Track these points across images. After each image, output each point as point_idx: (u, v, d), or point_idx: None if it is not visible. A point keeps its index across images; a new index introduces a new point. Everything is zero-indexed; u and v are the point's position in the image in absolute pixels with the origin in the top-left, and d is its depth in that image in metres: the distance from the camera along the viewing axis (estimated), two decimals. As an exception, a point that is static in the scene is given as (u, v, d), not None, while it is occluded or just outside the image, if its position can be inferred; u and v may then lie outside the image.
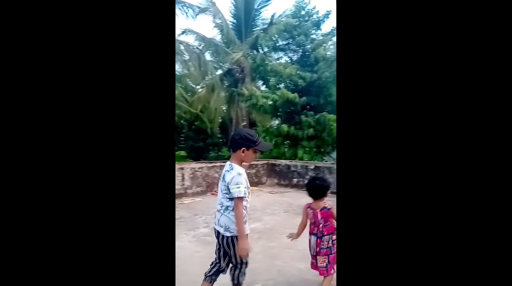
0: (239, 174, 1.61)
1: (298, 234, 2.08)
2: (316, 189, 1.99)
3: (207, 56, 13.23)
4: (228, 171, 1.67)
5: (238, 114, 13.01)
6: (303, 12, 8.72)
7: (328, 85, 8.05)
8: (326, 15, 8.62)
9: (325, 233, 1.95)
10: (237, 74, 12.40)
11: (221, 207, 1.70)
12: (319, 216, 1.96)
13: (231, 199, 1.64)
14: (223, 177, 1.69)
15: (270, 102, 7.95)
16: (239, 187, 1.58)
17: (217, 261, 1.76)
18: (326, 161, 7.44)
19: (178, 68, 16.24)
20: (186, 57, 11.03)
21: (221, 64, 14.39)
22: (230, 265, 1.75)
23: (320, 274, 1.98)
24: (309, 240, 2.02)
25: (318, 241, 1.96)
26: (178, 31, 12.23)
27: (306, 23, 8.45)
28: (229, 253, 1.69)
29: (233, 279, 1.73)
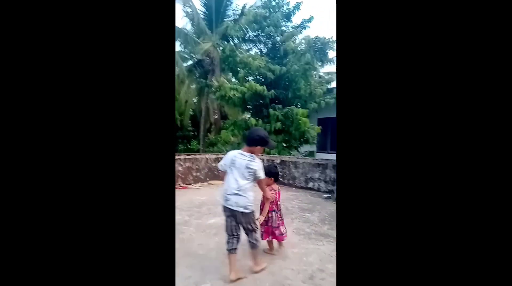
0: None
1: (265, 214, 2.42)
2: (277, 173, 2.62)
3: (177, 46, 12.75)
4: (252, 161, 2.10)
5: (209, 107, 12.72)
6: (273, 3, 8.61)
7: (297, 79, 8.05)
8: (297, 7, 8.57)
9: (279, 209, 2.56)
10: (207, 65, 12.07)
11: (239, 190, 2.06)
12: (278, 195, 2.56)
13: (249, 182, 2.09)
14: (247, 166, 2.08)
15: (239, 95, 7.80)
16: (263, 171, 2.17)
17: (235, 234, 2.13)
18: (293, 156, 7.49)
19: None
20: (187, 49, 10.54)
21: (192, 55, 13.94)
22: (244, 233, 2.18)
23: (280, 240, 2.59)
24: (271, 216, 2.48)
25: (278, 215, 2.52)
26: (181, 22, 11.61)
27: (275, 14, 8.35)
28: (248, 225, 2.12)
29: (253, 240, 2.16)
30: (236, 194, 2.05)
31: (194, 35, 12.58)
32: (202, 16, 12.54)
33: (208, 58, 11.87)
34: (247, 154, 2.12)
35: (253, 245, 2.16)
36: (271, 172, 2.54)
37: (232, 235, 2.12)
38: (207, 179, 6.70)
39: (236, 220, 2.10)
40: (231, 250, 2.10)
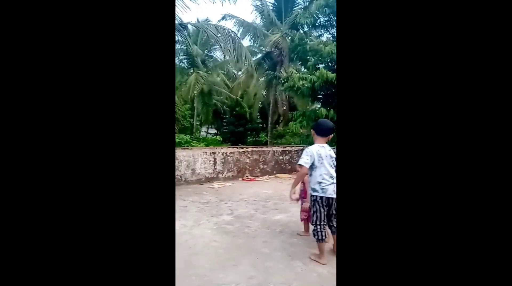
0: None
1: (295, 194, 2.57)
2: None
3: (247, 40, 12.97)
4: (331, 150, 2.29)
5: (277, 98, 12.61)
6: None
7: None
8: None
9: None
10: (276, 57, 11.91)
11: (334, 178, 2.22)
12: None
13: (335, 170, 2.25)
14: (331, 155, 2.27)
15: (308, 84, 7.37)
16: None
17: (325, 222, 2.27)
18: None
19: (219, 55, 16.36)
20: (228, 43, 10.95)
21: (261, 48, 14.01)
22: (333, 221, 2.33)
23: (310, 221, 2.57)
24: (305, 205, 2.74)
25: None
26: (218, 16, 12.18)
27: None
28: (335, 211, 2.26)
29: (335, 224, 2.28)
30: (332, 183, 2.21)
31: (264, 28, 12.55)
32: (271, 7, 12.39)
33: (277, 49, 11.69)
34: (325, 145, 2.30)
35: (335, 229, 2.29)
36: None
37: (324, 224, 2.25)
38: (274, 172, 6.59)
39: (331, 208, 2.26)
40: (324, 239, 2.25)
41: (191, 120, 14.02)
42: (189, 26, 10.41)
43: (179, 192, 4.82)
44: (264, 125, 15.16)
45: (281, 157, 6.64)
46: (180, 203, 4.07)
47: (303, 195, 2.77)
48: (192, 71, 13.84)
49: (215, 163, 5.92)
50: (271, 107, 12.62)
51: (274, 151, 6.71)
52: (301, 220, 2.86)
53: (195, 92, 12.82)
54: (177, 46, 14.78)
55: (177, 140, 7.43)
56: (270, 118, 12.71)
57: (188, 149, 6.08)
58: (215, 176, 5.88)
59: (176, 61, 14.83)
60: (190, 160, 5.63)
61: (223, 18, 12.42)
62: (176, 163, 5.43)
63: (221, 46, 12.55)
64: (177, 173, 5.40)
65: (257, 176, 6.22)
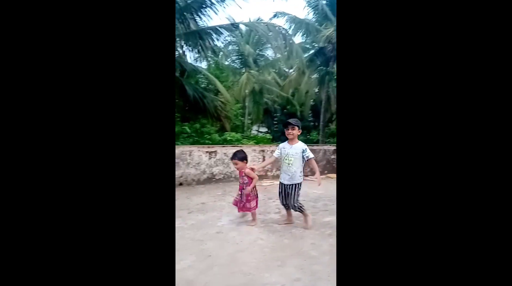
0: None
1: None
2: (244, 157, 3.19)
3: (299, 37, 12.72)
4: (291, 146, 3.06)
5: (330, 95, 12.08)
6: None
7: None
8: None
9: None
10: (329, 52, 11.41)
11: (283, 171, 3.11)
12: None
13: None
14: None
15: (364, 79, 6.86)
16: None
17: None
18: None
19: (271, 53, 16.40)
20: (279, 41, 10.91)
21: (314, 44, 13.60)
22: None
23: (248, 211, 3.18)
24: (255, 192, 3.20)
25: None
26: (269, 15, 12.20)
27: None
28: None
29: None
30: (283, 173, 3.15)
31: (316, 23, 12.14)
32: (324, 1, 11.92)
33: (330, 44, 11.20)
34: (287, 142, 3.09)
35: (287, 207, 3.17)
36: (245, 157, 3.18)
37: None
38: (325, 171, 6.32)
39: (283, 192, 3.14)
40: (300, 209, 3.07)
41: (242, 118, 14.36)
42: (241, 26, 10.62)
43: (228, 188, 4.94)
44: (316, 124, 14.72)
45: (332, 157, 6.33)
46: (228, 199, 4.17)
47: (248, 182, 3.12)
48: (243, 70, 14.15)
49: (264, 160, 5.93)
50: (323, 104, 12.17)
51: (325, 150, 6.43)
52: (251, 210, 3.12)
53: (246, 91, 13.08)
54: (230, 47, 15.29)
55: (228, 138, 7.67)
56: (322, 116, 12.27)
57: (238, 146, 6.21)
58: (263, 174, 5.89)
59: (228, 62, 15.34)
60: (240, 157, 5.73)
61: (274, 16, 12.39)
62: (226, 161, 5.59)
63: (272, 44, 12.56)
64: (226, 170, 5.55)
65: (307, 176, 6.04)
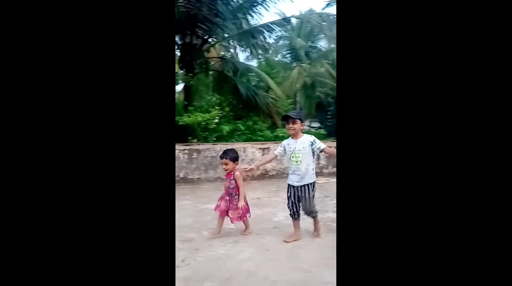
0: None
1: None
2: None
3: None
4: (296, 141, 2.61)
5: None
6: None
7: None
8: None
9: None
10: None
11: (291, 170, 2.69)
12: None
13: None
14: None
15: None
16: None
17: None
18: None
19: (323, 44, 15.81)
20: (333, 31, 10.44)
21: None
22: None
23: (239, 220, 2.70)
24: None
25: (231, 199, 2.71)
26: (321, 4, 11.78)
27: None
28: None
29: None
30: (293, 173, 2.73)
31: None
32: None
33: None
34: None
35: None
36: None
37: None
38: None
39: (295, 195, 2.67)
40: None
41: (294, 114, 14.18)
42: (292, 20, 10.46)
43: (283, 184, 4.96)
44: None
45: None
46: (283, 196, 4.19)
47: (235, 192, 2.65)
48: (294, 65, 13.94)
49: (318, 157, 5.79)
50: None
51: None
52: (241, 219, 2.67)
53: (297, 85, 12.88)
54: (280, 41, 15.19)
55: (280, 134, 7.68)
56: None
57: (291, 142, 6.18)
58: (318, 171, 5.76)
59: (278, 57, 15.27)
60: (293, 153, 5.71)
61: (327, 5, 11.91)
62: (279, 157, 5.61)
63: (326, 34, 12.02)
64: (279, 166, 5.58)
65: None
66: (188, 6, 6.07)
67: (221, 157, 2.69)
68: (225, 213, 2.61)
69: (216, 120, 6.38)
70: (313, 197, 2.50)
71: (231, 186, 2.62)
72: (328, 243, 2.49)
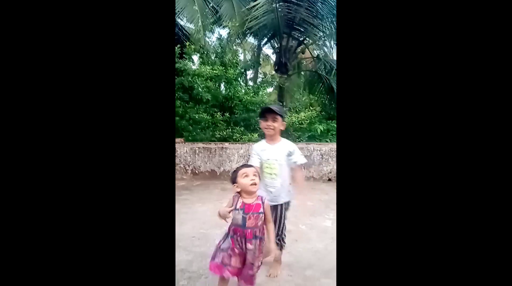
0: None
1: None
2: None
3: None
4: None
5: None
6: None
7: None
8: None
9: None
10: None
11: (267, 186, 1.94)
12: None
13: None
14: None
15: None
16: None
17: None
18: None
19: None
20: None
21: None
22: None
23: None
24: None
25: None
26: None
27: None
28: None
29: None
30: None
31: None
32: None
33: None
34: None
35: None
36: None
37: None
38: None
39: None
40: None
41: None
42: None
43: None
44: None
45: None
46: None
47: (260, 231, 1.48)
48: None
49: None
50: None
51: None
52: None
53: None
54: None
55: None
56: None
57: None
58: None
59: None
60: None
61: None
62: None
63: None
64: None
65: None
66: (287, 9, 6.35)
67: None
68: (238, 273, 1.47)
69: (307, 120, 6.45)
70: (285, 220, 1.86)
71: (258, 222, 1.45)
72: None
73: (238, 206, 1.46)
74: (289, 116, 6.19)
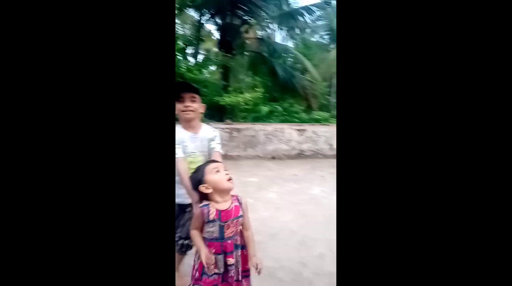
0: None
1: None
2: None
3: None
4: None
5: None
6: None
7: None
8: None
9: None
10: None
11: None
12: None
13: None
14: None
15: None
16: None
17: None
18: None
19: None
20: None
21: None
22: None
23: None
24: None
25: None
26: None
27: None
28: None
29: None
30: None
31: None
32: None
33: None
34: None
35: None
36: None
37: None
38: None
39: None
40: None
41: (329, 97, 14.00)
42: (333, 2, 10.13)
43: (317, 164, 5.19)
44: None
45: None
46: (318, 173, 4.45)
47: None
48: (332, 46, 13.57)
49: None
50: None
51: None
52: None
53: (334, 68, 12.60)
54: (319, 22, 14.75)
55: (316, 117, 7.79)
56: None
57: (326, 125, 6.31)
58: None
59: (315, 38, 14.90)
60: (328, 135, 5.86)
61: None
62: (315, 138, 5.80)
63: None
64: (315, 147, 5.78)
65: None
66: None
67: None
68: None
69: (252, 102, 6.65)
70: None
71: (238, 228, 1.21)
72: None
73: (211, 218, 1.12)
74: (235, 97, 6.29)
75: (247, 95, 6.41)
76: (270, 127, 5.75)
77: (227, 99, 6.25)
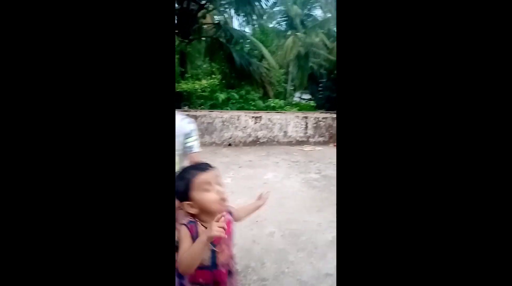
0: None
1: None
2: None
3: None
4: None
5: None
6: None
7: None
8: None
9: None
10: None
11: None
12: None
13: None
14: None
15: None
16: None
17: None
18: None
19: (320, 13, 15.54)
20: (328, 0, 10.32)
21: None
22: None
23: None
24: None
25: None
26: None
27: None
28: None
29: None
30: None
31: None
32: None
33: None
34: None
35: None
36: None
37: None
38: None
39: None
40: None
41: (285, 85, 14.39)
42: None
43: (272, 150, 5.45)
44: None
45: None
46: (272, 159, 4.70)
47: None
48: (289, 33, 13.83)
49: (306, 127, 6.25)
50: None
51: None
52: None
53: (291, 55, 12.93)
54: (276, 8, 14.84)
55: (271, 104, 8.02)
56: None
57: (281, 113, 6.58)
58: (305, 139, 6.25)
59: (273, 24, 15.01)
60: (283, 123, 6.13)
61: (325, -27, 11.59)
62: (270, 125, 6.04)
63: (321, 3, 11.81)
64: (270, 134, 6.02)
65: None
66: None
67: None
68: None
69: (209, 88, 6.61)
70: None
71: (232, 251, 1.08)
72: (309, 196, 3.02)
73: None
74: (192, 83, 6.18)
75: (204, 82, 6.35)
76: (226, 114, 5.82)
77: (184, 86, 6.12)
